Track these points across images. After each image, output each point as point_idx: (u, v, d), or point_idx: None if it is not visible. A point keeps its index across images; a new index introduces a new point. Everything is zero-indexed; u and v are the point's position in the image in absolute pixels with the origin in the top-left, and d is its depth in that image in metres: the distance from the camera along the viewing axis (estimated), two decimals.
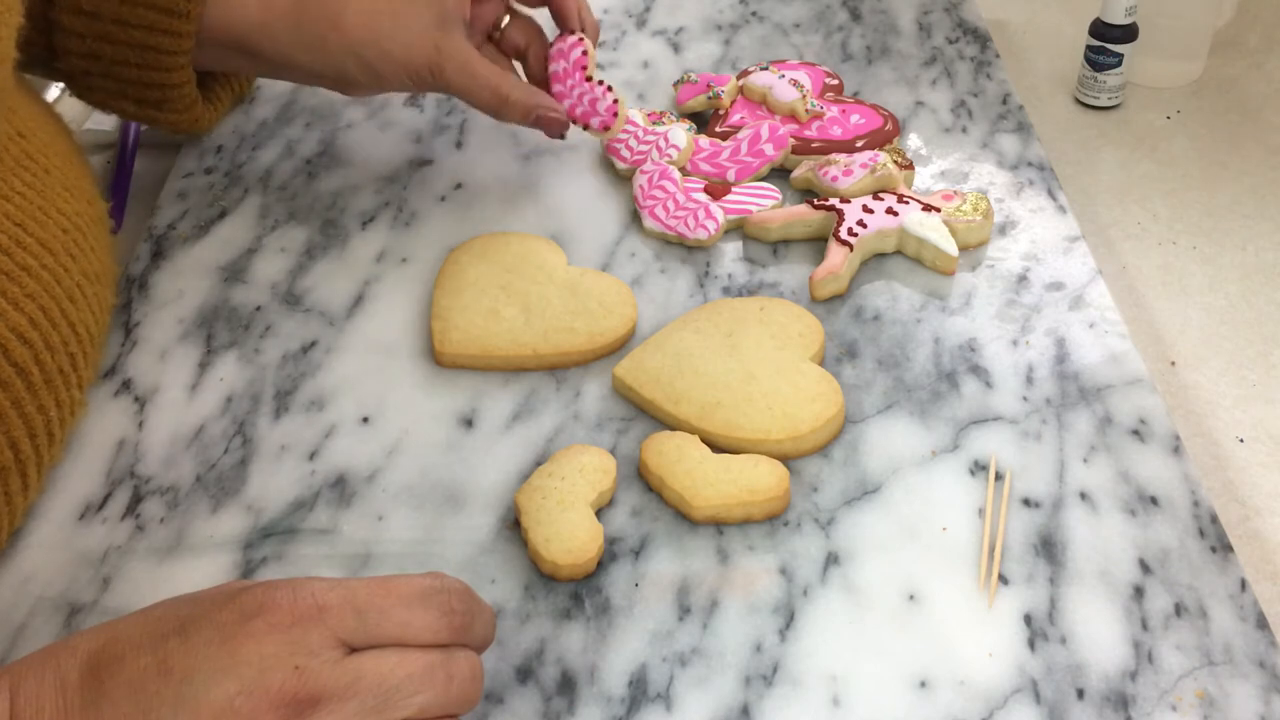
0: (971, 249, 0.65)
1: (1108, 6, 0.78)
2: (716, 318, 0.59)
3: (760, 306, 0.59)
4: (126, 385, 0.59)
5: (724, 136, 0.72)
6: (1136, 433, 0.54)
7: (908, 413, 0.56)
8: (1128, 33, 0.79)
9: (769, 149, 0.70)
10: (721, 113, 0.75)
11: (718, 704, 0.44)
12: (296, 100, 0.79)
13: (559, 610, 0.48)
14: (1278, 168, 0.77)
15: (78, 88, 0.64)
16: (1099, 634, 0.46)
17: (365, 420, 0.56)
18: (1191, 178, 0.76)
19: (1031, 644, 0.46)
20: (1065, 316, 0.60)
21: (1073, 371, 0.57)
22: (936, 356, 0.58)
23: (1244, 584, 0.48)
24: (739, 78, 0.77)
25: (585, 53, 0.66)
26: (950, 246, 0.63)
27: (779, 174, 0.71)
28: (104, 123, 0.79)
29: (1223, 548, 0.49)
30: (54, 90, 0.84)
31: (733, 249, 0.66)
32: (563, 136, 0.66)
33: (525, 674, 0.46)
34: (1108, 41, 0.79)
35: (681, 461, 0.52)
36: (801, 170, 0.69)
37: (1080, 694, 0.44)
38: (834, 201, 0.65)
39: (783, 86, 0.73)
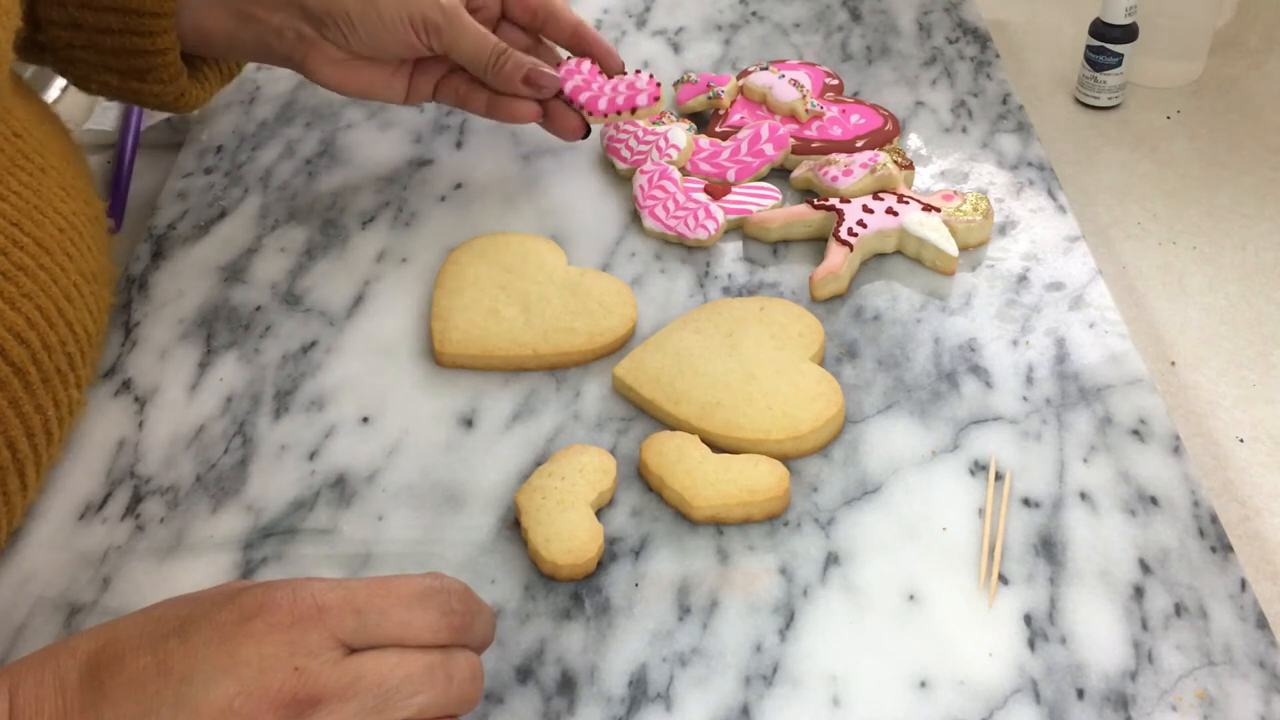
0: (971, 249, 0.65)
1: (1108, 6, 0.78)
2: (716, 318, 0.59)
3: (760, 306, 0.59)
4: (126, 385, 0.59)
5: (724, 136, 0.72)
6: (1136, 433, 0.54)
7: (908, 413, 0.56)
8: (1128, 33, 0.79)
9: (769, 149, 0.70)
10: (721, 113, 0.75)
11: (718, 704, 0.44)
12: (296, 100, 0.79)
13: (559, 610, 0.48)
14: (1278, 168, 0.77)
15: (60, 63, 0.63)
16: (1099, 634, 0.46)
17: (365, 420, 0.56)
18: (1191, 178, 0.76)
19: (1031, 644, 0.46)
20: (1065, 316, 0.60)
21: (1073, 371, 0.57)
22: (936, 356, 0.58)
23: (1244, 584, 0.48)
24: (739, 78, 0.77)
25: (594, 65, 0.66)
26: (950, 246, 0.63)
27: (779, 174, 0.71)
28: (104, 122, 0.79)
29: (1223, 548, 0.49)
30: (54, 91, 0.84)
31: (733, 249, 0.66)
32: (585, 135, 0.66)
33: (525, 674, 0.46)
34: (1108, 41, 0.79)
35: (681, 461, 0.52)
36: (801, 170, 0.69)
37: (1080, 694, 0.44)
38: (834, 201, 0.65)
39: (783, 86, 0.73)
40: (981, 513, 0.51)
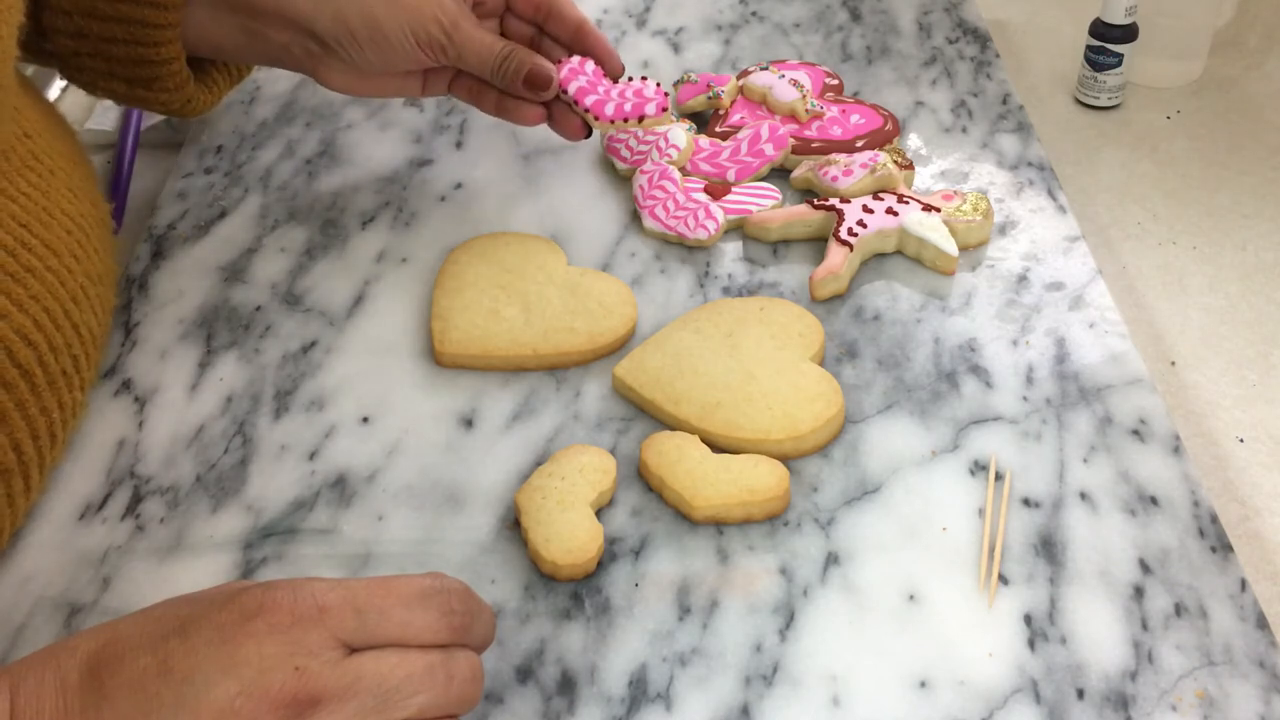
0: (971, 249, 0.65)
1: (1108, 6, 0.78)
2: (716, 318, 0.59)
3: (760, 306, 0.59)
4: (126, 385, 0.59)
5: (724, 136, 0.72)
6: (1136, 433, 0.54)
7: (908, 413, 0.56)
8: (1128, 33, 0.79)
9: (769, 149, 0.70)
10: (721, 113, 0.75)
11: (718, 704, 0.44)
12: (296, 100, 0.79)
13: (559, 610, 0.48)
14: (1278, 168, 0.77)
15: (68, 69, 0.63)
16: (1099, 634, 0.46)
17: (365, 420, 0.56)
18: (1191, 178, 0.76)
19: (1031, 644, 0.46)
20: (1065, 316, 0.60)
21: (1073, 371, 0.57)
22: (936, 356, 0.58)
23: (1244, 584, 0.48)
24: (739, 78, 0.77)
25: (595, 66, 0.66)
26: (950, 246, 0.63)
27: (779, 174, 0.71)
28: (104, 122, 0.79)
29: (1223, 548, 0.49)
30: (54, 90, 0.84)
31: (733, 249, 0.66)
32: (586, 136, 0.66)
33: (525, 674, 0.46)
34: (1108, 41, 0.79)
35: (681, 461, 0.52)
36: (801, 170, 0.69)
37: (1080, 694, 0.44)
38: (834, 201, 0.65)
39: (783, 86, 0.73)
40: (981, 513, 0.51)
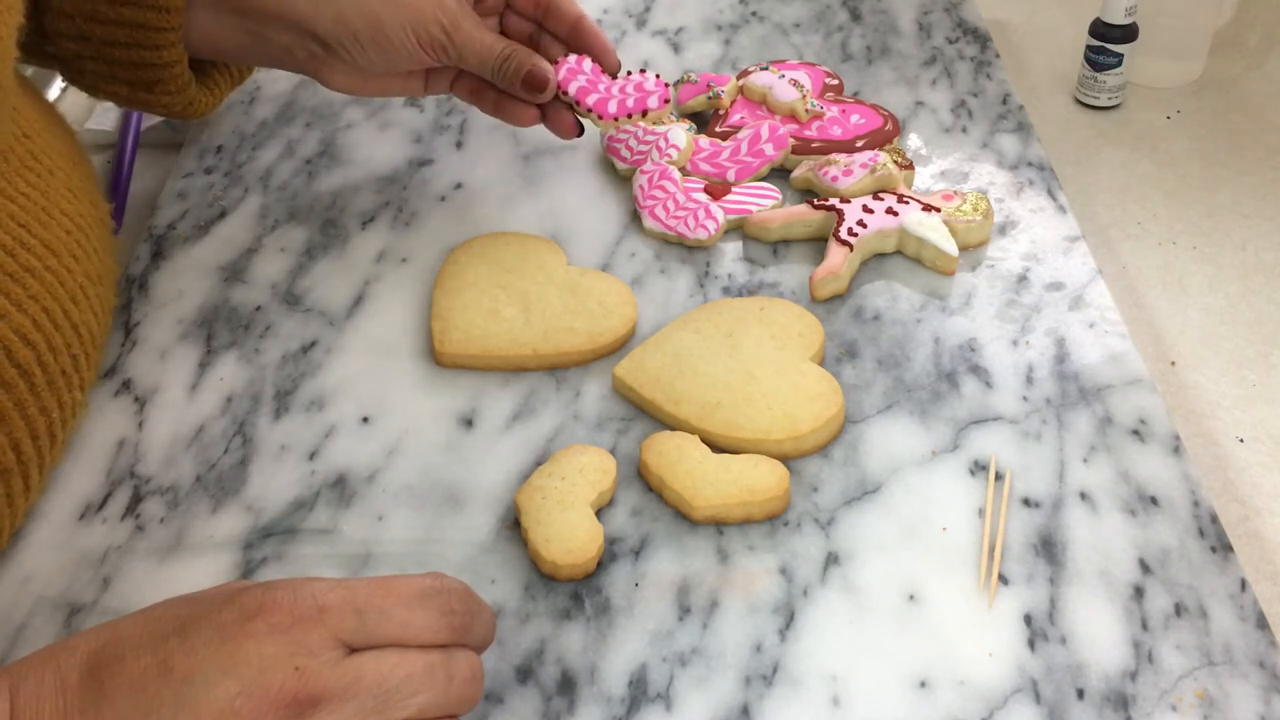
0: (971, 249, 0.65)
1: (1108, 6, 0.78)
2: (716, 318, 0.59)
3: (760, 306, 0.59)
4: (126, 385, 0.59)
5: (724, 136, 0.72)
6: (1136, 433, 0.54)
7: (908, 413, 0.56)
8: (1128, 33, 0.79)
9: (769, 149, 0.70)
10: (721, 113, 0.75)
11: (718, 704, 0.44)
12: (296, 100, 0.79)
13: (559, 610, 0.48)
14: (1278, 168, 0.77)
15: (70, 72, 0.63)
16: (1099, 634, 0.46)
17: (365, 420, 0.56)
18: (1191, 178, 0.76)
19: (1031, 644, 0.46)
20: (1065, 316, 0.60)
21: (1073, 371, 0.57)
22: (936, 356, 0.58)
23: (1244, 584, 0.48)
24: (739, 78, 0.77)
25: (594, 63, 0.66)
26: (950, 246, 0.63)
27: (779, 174, 0.71)
28: (104, 122, 0.79)
29: (1223, 548, 0.49)
30: (54, 91, 0.84)
31: (733, 249, 0.66)
32: (579, 134, 0.66)
33: (525, 674, 0.46)
34: (1108, 41, 0.79)
35: (681, 461, 0.52)
36: (801, 170, 0.69)
37: (1080, 694, 0.44)
38: (834, 201, 0.65)
39: (783, 86, 0.73)
40: (981, 513, 0.51)
